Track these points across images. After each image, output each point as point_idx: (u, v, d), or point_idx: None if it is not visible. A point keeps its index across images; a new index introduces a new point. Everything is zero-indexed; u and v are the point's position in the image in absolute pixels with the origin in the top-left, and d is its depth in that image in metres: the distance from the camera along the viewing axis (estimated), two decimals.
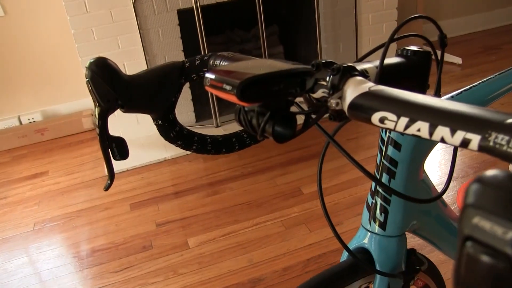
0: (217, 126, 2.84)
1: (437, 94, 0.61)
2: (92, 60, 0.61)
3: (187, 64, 0.68)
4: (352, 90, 0.43)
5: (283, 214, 1.99)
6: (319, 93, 0.46)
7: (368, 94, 0.41)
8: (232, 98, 0.42)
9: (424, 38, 0.61)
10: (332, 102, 0.44)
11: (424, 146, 0.67)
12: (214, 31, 3.01)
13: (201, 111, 2.97)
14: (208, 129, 2.82)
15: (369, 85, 0.42)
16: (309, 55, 3.17)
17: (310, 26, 3.04)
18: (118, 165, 2.47)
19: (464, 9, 3.98)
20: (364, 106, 0.41)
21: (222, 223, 1.98)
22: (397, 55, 0.58)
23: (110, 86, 0.61)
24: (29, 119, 3.15)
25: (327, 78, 0.45)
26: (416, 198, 0.65)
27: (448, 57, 3.43)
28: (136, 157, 2.57)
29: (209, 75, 0.46)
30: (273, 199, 2.10)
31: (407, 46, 0.58)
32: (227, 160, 2.48)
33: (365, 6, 3.03)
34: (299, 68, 0.45)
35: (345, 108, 0.43)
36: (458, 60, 3.35)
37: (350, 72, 0.45)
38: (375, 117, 0.39)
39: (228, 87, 0.42)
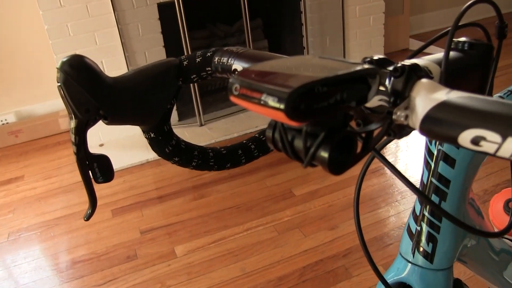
0: (201, 125, 2.73)
1: (489, 94, 0.51)
2: (65, 59, 0.49)
3: (185, 62, 0.56)
4: (425, 99, 0.32)
5: (275, 218, 1.89)
6: (374, 101, 0.36)
7: (450, 105, 0.31)
8: (277, 115, 0.30)
9: (482, 27, 0.51)
10: (400, 114, 0.34)
11: (479, 161, 0.57)
12: (196, 25, 2.88)
13: (184, 110, 2.85)
14: (192, 128, 2.70)
15: (445, 91, 0.32)
16: (294, 49, 3.07)
17: (295, 19, 2.94)
18: None
19: (449, 1, 3.93)
20: (446, 122, 0.31)
21: (210, 229, 1.87)
22: (451, 48, 0.48)
23: (89, 92, 0.49)
24: (1, 121, 2.98)
25: (386, 82, 0.35)
26: (486, 232, 0.53)
27: (435, 50, 3.36)
28: (117, 159, 2.44)
29: (238, 80, 0.33)
30: (264, 202, 2.00)
31: (461, 38, 0.48)
32: None
33: None
34: (368, 70, 0.33)
35: (417, 123, 0.33)
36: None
37: (416, 73, 0.35)
38: (465, 137, 0.29)
39: (270, 99, 0.30)
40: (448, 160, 0.55)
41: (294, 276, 1.58)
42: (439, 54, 0.44)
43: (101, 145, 2.62)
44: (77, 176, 2.39)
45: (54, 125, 2.93)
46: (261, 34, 3.10)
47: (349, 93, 0.31)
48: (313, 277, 1.57)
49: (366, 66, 0.32)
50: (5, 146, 2.86)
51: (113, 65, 2.50)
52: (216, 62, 0.54)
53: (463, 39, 0.47)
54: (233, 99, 0.33)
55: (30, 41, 2.88)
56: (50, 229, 2.01)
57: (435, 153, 0.56)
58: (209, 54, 0.55)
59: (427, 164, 0.57)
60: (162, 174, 2.32)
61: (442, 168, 0.56)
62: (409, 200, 1.89)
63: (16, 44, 2.87)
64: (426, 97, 0.32)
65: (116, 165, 2.38)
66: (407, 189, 1.95)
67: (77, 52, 2.42)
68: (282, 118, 0.29)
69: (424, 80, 0.34)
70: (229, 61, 0.52)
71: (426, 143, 0.57)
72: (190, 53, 2.68)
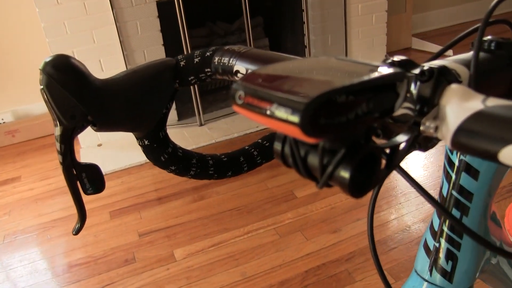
0: (201, 125, 2.68)
1: None
2: (48, 60, 0.44)
3: (182, 63, 0.51)
4: (457, 108, 0.28)
5: (276, 221, 1.85)
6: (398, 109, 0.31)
7: (488, 115, 0.27)
8: (290, 130, 0.25)
9: (510, 24, 0.47)
10: (429, 126, 0.29)
11: (503, 171, 0.52)
12: (195, 23, 2.84)
13: (183, 109, 2.80)
14: (191, 128, 2.66)
15: (480, 99, 0.28)
16: (295, 48, 3.03)
17: (297, 17, 2.90)
18: None
19: (452, 0, 3.89)
20: (484, 135, 0.26)
21: (210, 232, 1.83)
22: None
23: (75, 97, 0.44)
24: None
25: (412, 87, 0.31)
26: None
27: (438, 49, 3.32)
28: (115, 160, 2.40)
29: (243, 87, 0.28)
30: (265, 204, 1.96)
31: (486, 37, 0.43)
32: None
33: None
34: (397, 74, 0.28)
35: (448, 135, 0.29)
36: (449, 52, 3.25)
37: (445, 77, 0.31)
38: (508, 153, 0.25)
39: (282, 110, 0.25)
40: (471, 171, 0.50)
41: (296, 280, 1.54)
42: (464, 55, 0.39)
43: (99, 145, 2.58)
44: None
45: (51, 124, 2.88)
46: (261, 32, 3.06)
47: (376, 103, 0.27)
48: (316, 281, 1.53)
49: (393, 69, 0.28)
50: (1, 146, 2.82)
51: (111, 64, 2.46)
52: (216, 63, 0.49)
53: (489, 38, 0.42)
54: (236, 109, 0.28)
55: (27, 39, 2.84)
56: (47, 232, 1.97)
57: (457, 163, 0.51)
58: (208, 53, 0.50)
59: (447, 175, 0.52)
60: (161, 175, 2.27)
61: (464, 180, 0.51)
62: (413, 203, 1.85)
63: (13, 42, 2.83)
64: (459, 106, 0.28)
65: (114, 165, 2.34)
66: (411, 191, 1.91)
67: (75, 51, 2.38)
68: (296, 133, 0.25)
69: (454, 86, 0.30)
70: (230, 62, 0.48)
71: (446, 152, 0.52)
72: (189, 51, 2.62)
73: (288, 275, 1.57)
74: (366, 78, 0.26)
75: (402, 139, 0.31)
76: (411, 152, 0.32)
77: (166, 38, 2.56)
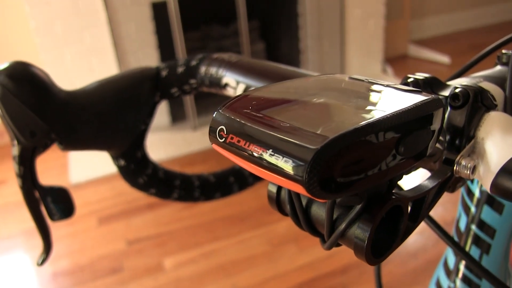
0: (195, 129, 2.63)
1: None
2: (2, 68, 0.38)
3: (164, 73, 0.45)
4: (501, 142, 0.23)
5: (269, 230, 1.80)
6: None
7: None
8: (292, 186, 0.18)
9: None
10: (466, 165, 0.24)
11: None
12: (190, 26, 2.79)
13: (178, 112, 2.75)
14: (184, 133, 2.61)
15: None
16: (291, 53, 2.98)
17: (292, 21, 2.86)
18: (85, 172, 2.24)
19: (450, 6, 3.86)
20: None
21: (201, 241, 1.78)
22: (502, 63, 0.38)
23: (36, 111, 0.39)
24: None
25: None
26: None
27: (435, 56, 3.29)
28: (106, 164, 2.34)
29: (225, 119, 0.21)
30: (257, 212, 1.91)
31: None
32: (205, 168, 2.28)
33: (352, 1, 2.85)
34: (434, 102, 0.21)
35: (488, 177, 0.23)
36: (445, 59, 3.22)
37: (483, 101, 0.25)
38: None
39: (278, 160, 0.18)
40: (494, 204, 0.43)
41: None
42: (492, 72, 0.34)
43: None
44: (63, 181, 2.28)
45: None
46: (257, 36, 3.01)
47: (408, 144, 0.20)
48: None
49: (429, 95, 0.21)
50: None
51: (103, 66, 2.41)
52: (202, 73, 0.43)
53: None
54: (216, 148, 0.21)
55: (15, 38, 2.78)
56: (32, 238, 1.91)
57: (477, 194, 0.44)
58: (194, 62, 0.44)
59: (465, 208, 0.46)
60: None
61: (486, 213, 0.44)
62: None
63: None
64: (503, 140, 0.23)
65: (105, 170, 2.28)
66: None
67: (66, 52, 2.32)
68: (300, 191, 0.18)
69: (495, 114, 0.24)
70: (219, 73, 0.42)
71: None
72: (184, 54, 2.52)
73: (280, 287, 1.52)
74: (398, 109, 0.20)
75: (431, 183, 0.25)
76: (440, 197, 0.26)
77: (161, 40, 2.51)
